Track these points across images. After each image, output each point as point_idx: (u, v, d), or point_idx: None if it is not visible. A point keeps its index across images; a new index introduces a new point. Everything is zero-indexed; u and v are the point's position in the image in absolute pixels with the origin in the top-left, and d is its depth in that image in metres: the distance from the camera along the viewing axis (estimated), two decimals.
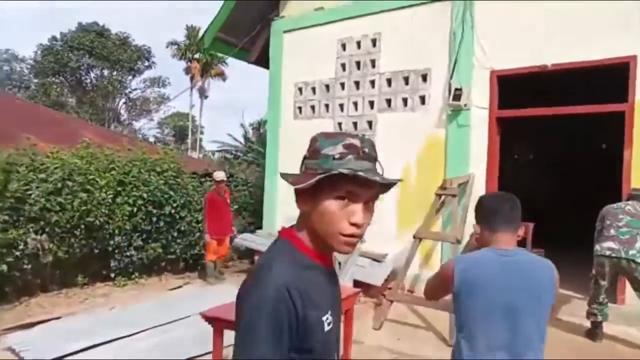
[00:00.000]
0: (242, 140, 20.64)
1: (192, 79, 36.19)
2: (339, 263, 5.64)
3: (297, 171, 1.40)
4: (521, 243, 6.51)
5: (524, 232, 6.45)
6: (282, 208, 8.16)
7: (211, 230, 6.99)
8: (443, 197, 5.69)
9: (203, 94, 37.79)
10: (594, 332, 4.94)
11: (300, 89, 8.10)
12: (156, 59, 34.95)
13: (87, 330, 4.73)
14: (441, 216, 6.49)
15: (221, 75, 36.86)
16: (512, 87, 6.27)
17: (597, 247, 4.79)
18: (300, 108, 8.11)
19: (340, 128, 7.64)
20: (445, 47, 6.69)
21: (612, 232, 4.72)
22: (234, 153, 20.69)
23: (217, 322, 3.41)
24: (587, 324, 5.35)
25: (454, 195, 5.48)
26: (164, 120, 42.07)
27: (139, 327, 4.80)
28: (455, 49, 6.48)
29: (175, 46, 36.31)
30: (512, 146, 6.33)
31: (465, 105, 6.39)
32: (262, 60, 8.92)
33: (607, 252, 4.68)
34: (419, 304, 5.19)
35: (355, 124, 7.51)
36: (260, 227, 8.47)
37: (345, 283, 5.74)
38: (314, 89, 7.95)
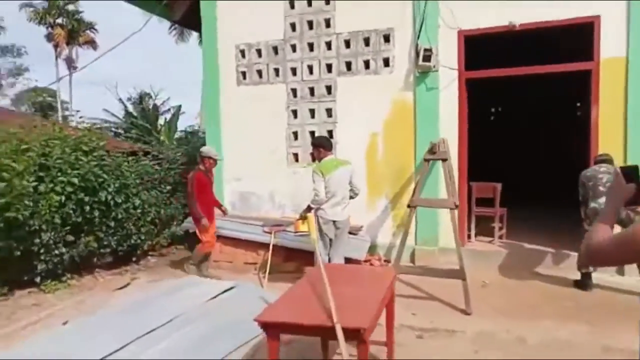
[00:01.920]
0: (121, 115, 18.92)
1: (56, 47, 31.75)
2: (330, 240, 5.17)
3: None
4: (489, 201, 6.61)
5: (492, 192, 6.59)
6: (228, 186, 7.37)
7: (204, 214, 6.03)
8: (430, 161, 5.46)
9: (71, 64, 33.42)
10: (585, 283, 5.16)
11: (242, 52, 7.24)
12: (6, 23, 29.97)
13: None
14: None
15: (91, 43, 32.81)
16: (478, 48, 6.19)
17: (594, 205, 4.99)
18: (244, 73, 7.27)
19: (295, 94, 7.00)
20: (408, 5, 6.37)
21: (602, 189, 4.97)
22: (113, 130, 18.81)
23: (273, 328, 2.78)
24: (565, 274, 5.64)
25: (444, 160, 5.28)
26: (20, 96, 36.56)
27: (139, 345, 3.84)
28: (422, 8, 6.19)
29: (32, 9, 31.39)
30: (477, 108, 6.27)
31: (434, 66, 6.19)
32: (190, 19, 7.82)
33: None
34: (427, 274, 4.96)
35: (312, 89, 6.93)
36: None
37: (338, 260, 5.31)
38: (259, 52, 7.16)
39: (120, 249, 6.79)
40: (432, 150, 5.30)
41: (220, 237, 6.59)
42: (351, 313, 2.74)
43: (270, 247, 6.12)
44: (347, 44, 6.71)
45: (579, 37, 5.91)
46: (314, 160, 5.39)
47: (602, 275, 5.38)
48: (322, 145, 5.28)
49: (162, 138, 20.42)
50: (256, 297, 5.06)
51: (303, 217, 5.30)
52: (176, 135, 21.22)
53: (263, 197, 7.20)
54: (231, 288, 5.18)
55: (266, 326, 2.80)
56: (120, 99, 22.60)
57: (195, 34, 23.51)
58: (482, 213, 6.50)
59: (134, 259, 7.22)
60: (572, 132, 7.16)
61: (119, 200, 6.36)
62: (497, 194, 6.54)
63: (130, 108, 23.92)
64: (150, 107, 24.28)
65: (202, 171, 5.98)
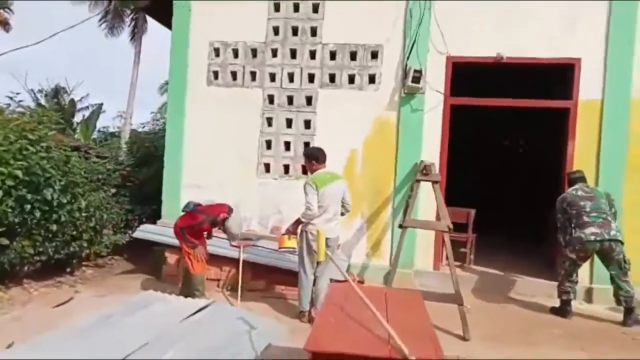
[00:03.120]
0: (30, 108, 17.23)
1: None
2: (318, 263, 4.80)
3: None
4: (462, 226, 6.59)
5: (466, 217, 6.60)
6: (186, 194, 6.70)
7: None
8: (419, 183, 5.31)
9: None
10: (564, 309, 5.27)
11: (217, 50, 6.72)
12: None
13: None
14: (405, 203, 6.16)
15: (4, 24, 29.55)
16: (464, 73, 6.25)
17: (580, 234, 5.08)
18: (216, 73, 6.73)
19: (272, 101, 6.59)
20: (399, 24, 6.30)
21: (586, 219, 5.10)
22: None
23: (327, 358, 2.37)
24: (537, 300, 5.74)
25: (436, 182, 5.16)
26: None
27: None
28: (414, 29, 6.14)
29: None
30: (457, 133, 6.31)
31: (421, 88, 6.13)
32: (159, 9, 7.16)
33: (592, 237, 5.03)
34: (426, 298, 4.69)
35: (290, 98, 6.56)
36: (156, 217, 6.81)
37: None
38: (235, 52, 6.68)
39: (57, 256, 5.85)
40: (424, 172, 5.16)
41: (178, 249, 5.92)
42: (417, 343, 2.41)
43: (240, 262, 5.59)
44: (333, 55, 6.47)
45: (560, 76, 6.18)
46: (304, 172, 5.01)
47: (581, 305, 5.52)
48: (315, 156, 4.94)
49: (77, 137, 18.72)
50: (234, 317, 4.51)
51: (291, 232, 4.89)
52: (94, 136, 19.60)
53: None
54: (206, 306, 4.60)
55: (319, 357, 2.39)
56: (31, 90, 20.71)
57: (127, 29, 22.15)
58: (456, 238, 6.48)
59: (68, 269, 6.28)
60: (546, 164, 7.45)
61: (64, 201, 5.49)
62: (470, 219, 6.58)
63: (43, 101, 21.84)
64: (67, 102, 22.30)
65: (212, 225, 5.27)
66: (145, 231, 6.23)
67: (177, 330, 4.02)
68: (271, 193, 6.50)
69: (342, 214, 4.99)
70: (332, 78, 6.46)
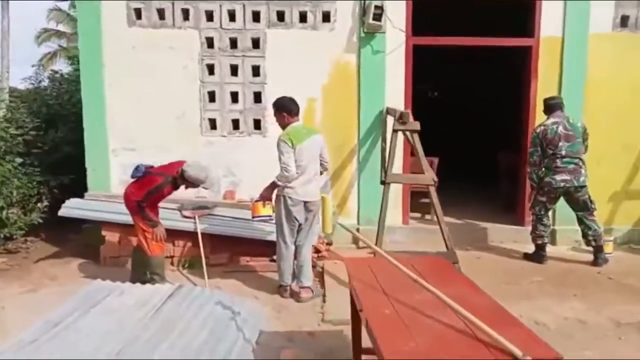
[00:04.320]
0: None
1: None
2: (299, 225, 4.21)
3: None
4: None
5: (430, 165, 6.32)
6: (116, 160, 5.67)
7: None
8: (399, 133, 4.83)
9: None
10: (540, 255, 5.23)
11: None
12: None
13: None
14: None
15: None
16: (420, 14, 5.76)
17: (550, 180, 5.01)
18: (138, 10, 5.57)
19: (211, 44, 5.63)
20: None
21: (559, 163, 4.99)
22: None
23: None
24: (506, 246, 5.72)
25: (415, 131, 4.72)
26: None
27: None
28: None
29: None
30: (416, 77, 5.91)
31: (382, 27, 5.56)
32: None
33: (562, 184, 4.98)
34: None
35: (233, 40, 5.65)
36: (82, 190, 5.69)
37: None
38: None
39: None
40: (402, 120, 4.68)
41: (120, 226, 5.01)
42: (506, 332, 1.98)
43: (199, 235, 4.84)
44: None
45: (519, 15, 5.93)
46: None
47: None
48: (288, 108, 4.25)
49: None
50: (211, 302, 3.85)
51: (265, 198, 4.23)
52: None
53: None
54: (173, 293, 3.87)
55: None
56: None
57: None
58: (418, 188, 6.19)
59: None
60: (507, 105, 7.31)
61: None
62: (433, 168, 6.32)
63: None
64: None
65: (174, 186, 4.31)
66: (72, 207, 5.17)
67: (151, 328, 3.30)
68: (220, 153, 5.70)
69: (321, 173, 4.41)
70: (280, 16, 5.63)
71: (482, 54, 7.31)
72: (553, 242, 5.77)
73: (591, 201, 5.07)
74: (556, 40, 5.73)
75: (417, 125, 4.73)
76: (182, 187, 4.37)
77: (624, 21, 5.73)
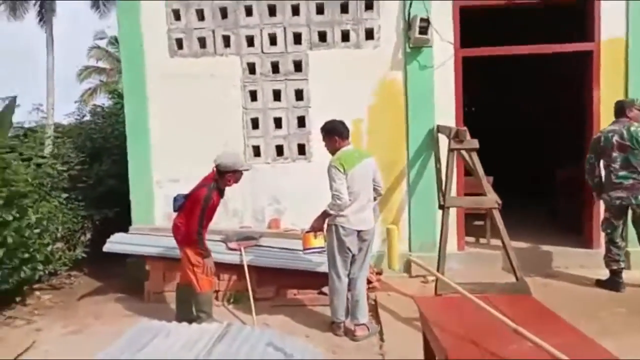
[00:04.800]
0: None
1: None
2: (353, 256, 3.92)
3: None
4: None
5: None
6: (160, 191, 5.55)
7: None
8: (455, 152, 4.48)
9: None
10: (616, 282, 4.68)
11: (176, 12, 5.48)
12: None
13: None
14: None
15: None
16: (472, 23, 5.45)
17: (606, 196, 4.66)
18: (179, 40, 5.52)
19: (253, 70, 5.49)
20: None
21: (613, 179, 4.60)
22: None
23: None
24: (577, 272, 5.19)
25: (473, 150, 4.37)
26: None
27: None
28: None
29: None
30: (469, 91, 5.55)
31: (429, 40, 5.28)
32: None
33: (617, 202, 4.60)
34: (487, 291, 3.86)
35: (275, 64, 5.49)
36: (126, 223, 5.59)
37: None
38: (200, 13, 5.48)
39: (3, 286, 4.61)
40: (458, 138, 4.34)
41: (164, 260, 4.85)
42: None
43: (246, 268, 4.60)
44: (320, 9, 5.42)
45: (576, 19, 5.52)
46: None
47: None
48: (338, 131, 4.00)
49: None
50: (262, 343, 3.56)
51: (316, 229, 3.95)
52: (10, 133, 17.30)
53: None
54: (223, 334, 3.61)
55: None
56: None
57: (33, 11, 19.21)
58: (475, 211, 5.78)
59: (18, 298, 5.05)
60: (567, 117, 6.80)
61: (9, 217, 4.21)
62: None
63: None
64: None
65: (219, 190, 4.10)
66: (117, 242, 5.05)
67: None
68: (264, 180, 5.49)
69: (374, 199, 4.10)
70: (322, 36, 5.45)
71: (533, 63, 6.88)
72: (627, 265, 5.19)
73: None
74: (619, 41, 5.28)
75: (475, 144, 4.37)
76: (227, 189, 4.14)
77: None
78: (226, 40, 5.49)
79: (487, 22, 5.79)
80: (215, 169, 4.02)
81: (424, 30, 5.15)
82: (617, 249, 4.68)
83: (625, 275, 4.87)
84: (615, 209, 4.66)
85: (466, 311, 2.43)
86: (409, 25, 5.27)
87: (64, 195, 5.76)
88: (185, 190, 4.39)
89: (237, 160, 4.09)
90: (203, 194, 3.91)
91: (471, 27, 5.50)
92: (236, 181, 4.10)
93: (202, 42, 5.51)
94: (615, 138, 4.58)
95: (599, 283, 4.82)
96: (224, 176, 4.00)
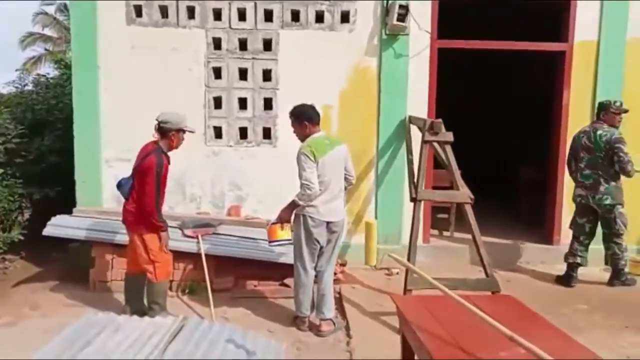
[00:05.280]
0: None
1: None
2: (321, 247, 3.69)
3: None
4: (445, 189, 5.78)
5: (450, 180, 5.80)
6: (110, 171, 5.10)
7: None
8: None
9: None
10: (569, 275, 4.80)
11: None
12: None
13: None
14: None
15: None
16: (448, 14, 5.31)
17: (573, 194, 4.88)
18: (138, 8, 5.06)
19: (219, 46, 5.12)
20: None
21: (579, 177, 4.79)
22: None
23: None
24: (538, 268, 5.27)
25: (447, 143, 4.23)
26: None
27: None
28: None
29: None
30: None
31: (406, 28, 5.10)
32: None
33: (578, 199, 4.81)
34: (458, 288, 3.69)
35: (243, 41, 5.14)
36: (69, 204, 5.11)
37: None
38: None
39: None
40: (433, 130, 4.19)
41: (113, 246, 4.45)
42: None
43: (203, 257, 4.29)
44: None
45: (551, 20, 5.51)
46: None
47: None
48: (308, 116, 3.74)
49: None
50: (221, 340, 3.28)
51: (284, 220, 3.69)
52: None
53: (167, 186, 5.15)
54: (179, 329, 3.30)
55: None
56: None
57: None
58: (441, 204, 5.70)
59: None
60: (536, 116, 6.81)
61: None
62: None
63: None
64: None
65: (166, 155, 3.71)
66: (59, 225, 4.59)
67: None
68: (225, 164, 5.17)
69: (345, 188, 3.88)
70: (295, 16, 5.14)
71: (503, 61, 6.87)
72: (585, 262, 5.26)
73: (616, 222, 4.62)
74: (592, 44, 5.31)
75: (450, 136, 4.23)
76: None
77: None
78: (190, 11, 5.09)
79: (469, 22, 5.67)
80: (157, 129, 3.67)
81: (401, 18, 4.96)
82: (578, 244, 4.80)
83: (583, 272, 4.95)
84: (577, 207, 4.85)
85: (446, 310, 2.31)
86: (387, 11, 5.07)
87: None
88: None
89: (182, 119, 3.77)
90: (153, 160, 3.55)
91: (454, 23, 5.36)
92: (179, 143, 3.76)
93: (164, 11, 5.08)
94: (584, 139, 4.72)
95: (558, 279, 4.92)
96: (167, 136, 3.67)
